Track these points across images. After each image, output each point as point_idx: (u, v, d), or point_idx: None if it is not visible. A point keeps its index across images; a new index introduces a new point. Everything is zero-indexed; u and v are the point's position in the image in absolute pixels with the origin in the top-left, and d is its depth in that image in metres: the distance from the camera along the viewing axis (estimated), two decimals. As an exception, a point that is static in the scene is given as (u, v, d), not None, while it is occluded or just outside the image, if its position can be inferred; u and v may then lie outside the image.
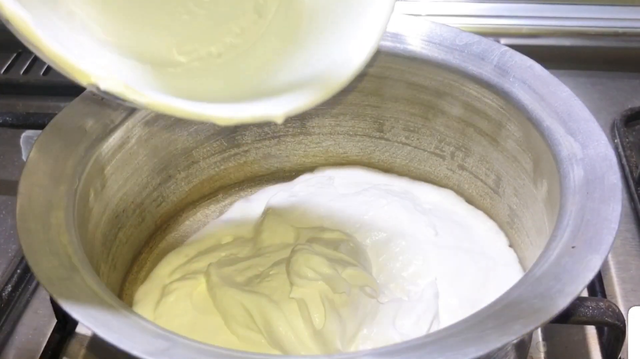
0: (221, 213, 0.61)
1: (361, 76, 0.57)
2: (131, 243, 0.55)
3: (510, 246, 0.55)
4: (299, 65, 0.41)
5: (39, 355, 0.52)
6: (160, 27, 0.40)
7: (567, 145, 0.46)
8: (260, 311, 0.47)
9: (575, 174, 0.44)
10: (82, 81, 0.32)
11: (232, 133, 0.60)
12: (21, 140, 0.70)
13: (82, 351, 0.53)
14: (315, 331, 0.46)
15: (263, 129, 0.60)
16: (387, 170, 0.62)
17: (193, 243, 0.57)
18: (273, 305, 0.46)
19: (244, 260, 0.54)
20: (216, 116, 0.35)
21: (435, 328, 0.48)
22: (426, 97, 0.57)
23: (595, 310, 0.44)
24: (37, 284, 0.58)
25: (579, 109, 0.48)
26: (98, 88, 0.33)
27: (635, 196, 0.62)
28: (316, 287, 0.47)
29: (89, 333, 0.53)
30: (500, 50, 0.53)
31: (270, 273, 0.50)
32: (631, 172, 0.64)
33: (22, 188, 0.43)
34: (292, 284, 0.47)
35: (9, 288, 0.56)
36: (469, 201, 0.59)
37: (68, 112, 0.49)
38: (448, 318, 0.49)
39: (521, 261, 0.54)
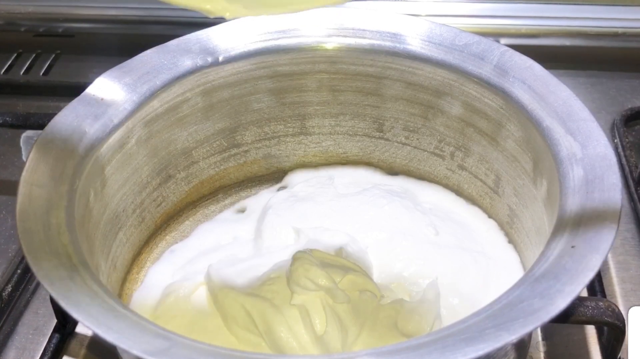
0: (221, 213, 0.61)
1: (361, 76, 0.57)
2: (131, 243, 0.55)
3: (510, 246, 0.55)
4: None
5: (39, 355, 0.52)
6: None
7: (566, 144, 0.46)
8: (261, 315, 0.46)
9: (575, 174, 0.44)
10: (210, 16, 0.35)
11: (232, 134, 0.60)
12: (21, 140, 0.70)
13: (82, 351, 0.53)
14: (316, 336, 0.46)
15: (263, 129, 0.61)
16: (387, 170, 0.62)
17: (193, 243, 0.57)
18: (275, 310, 0.46)
19: (244, 260, 0.54)
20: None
21: (437, 328, 0.48)
22: (426, 97, 0.57)
23: (595, 310, 0.44)
24: (37, 284, 0.58)
25: (579, 109, 0.48)
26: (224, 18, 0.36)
27: (635, 196, 0.62)
28: (316, 295, 0.47)
29: (89, 333, 0.53)
30: (500, 50, 0.52)
31: (271, 276, 0.50)
32: (631, 172, 0.64)
33: (22, 188, 0.43)
34: (292, 292, 0.47)
35: (9, 288, 0.56)
36: (469, 201, 0.59)
37: (68, 112, 0.49)
38: (449, 318, 0.49)
39: (521, 261, 0.54)
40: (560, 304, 0.36)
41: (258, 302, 0.47)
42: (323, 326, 0.46)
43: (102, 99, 0.50)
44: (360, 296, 0.48)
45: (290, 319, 0.46)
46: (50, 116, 0.49)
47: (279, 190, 0.61)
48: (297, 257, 0.49)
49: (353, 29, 0.56)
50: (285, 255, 0.52)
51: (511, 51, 0.52)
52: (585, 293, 0.53)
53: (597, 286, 0.54)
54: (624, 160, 0.65)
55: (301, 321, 0.46)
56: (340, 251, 0.52)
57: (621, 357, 0.49)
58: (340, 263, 0.50)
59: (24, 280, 0.57)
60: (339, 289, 0.47)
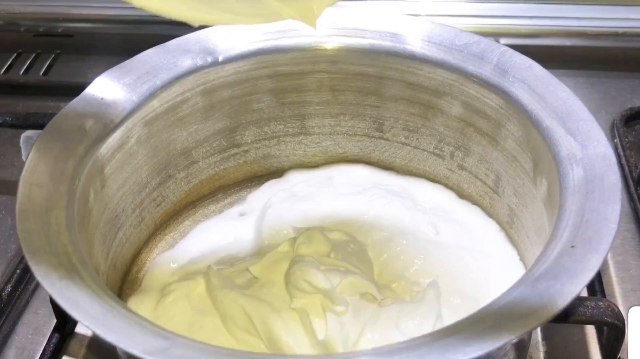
0: (220, 213, 0.61)
1: (361, 76, 0.57)
2: (131, 243, 0.55)
3: (510, 245, 0.55)
4: None
5: (39, 355, 0.52)
6: None
7: (566, 144, 0.46)
8: (261, 318, 0.46)
9: (575, 174, 0.44)
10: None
11: (232, 133, 0.60)
12: (21, 140, 0.70)
13: (82, 351, 0.53)
14: (317, 341, 0.45)
15: (263, 129, 0.61)
16: (387, 169, 0.62)
17: (192, 243, 0.57)
18: (275, 314, 0.46)
19: (243, 261, 0.54)
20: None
21: (438, 327, 0.48)
22: (426, 97, 0.57)
23: (594, 310, 0.44)
24: (37, 284, 0.57)
25: (579, 109, 0.48)
26: None
27: (635, 196, 0.62)
28: (316, 298, 0.47)
29: (89, 333, 0.53)
30: (500, 50, 0.53)
31: (269, 278, 0.50)
32: (631, 172, 0.64)
33: (22, 188, 0.43)
34: (291, 296, 0.47)
35: (9, 288, 0.56)
36: (469, 200, 0.59)
37: (68, 112, 0.49)
38: (450, 317, 0.49)
39: (521, 261, 0.54)
40: (560, 304, 0.36)
41: (258, 305, 0.47)
42: (324, 329, 0.46)
43: (102, 99, 0.50)
44: (360, 299, 0.48)
45: (291, 323, 0.46)
46: (50, 116, 0.49)
47: (278, 190, 0.61)
48: (296, 260, 0.49)
49: (353, 29, 0.56)
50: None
51: (511, 51, 0.52)
52: (585, 293, 0.53)
53: (597, 286, 0.54)
54: (624, 160, 0.65)
55: (302, 325, 0.46)
56: (339, 252, 0.52)
57: (621, 357, 0.49)
58: (340, 265, 0.50)
59: (23, 279, 0.57)
60: (336, 292, 0.47)
